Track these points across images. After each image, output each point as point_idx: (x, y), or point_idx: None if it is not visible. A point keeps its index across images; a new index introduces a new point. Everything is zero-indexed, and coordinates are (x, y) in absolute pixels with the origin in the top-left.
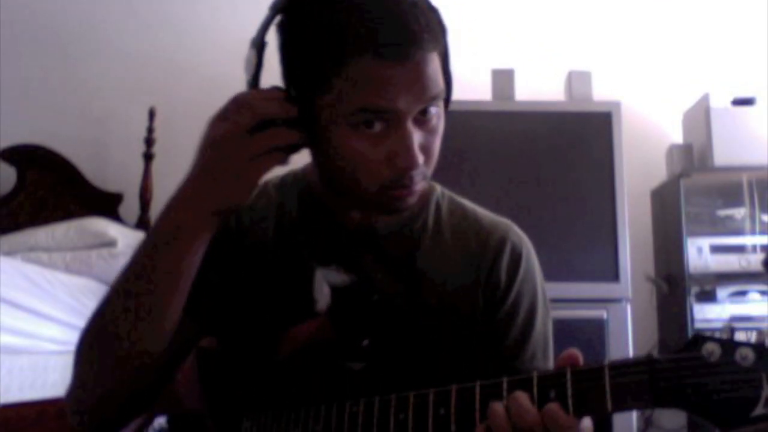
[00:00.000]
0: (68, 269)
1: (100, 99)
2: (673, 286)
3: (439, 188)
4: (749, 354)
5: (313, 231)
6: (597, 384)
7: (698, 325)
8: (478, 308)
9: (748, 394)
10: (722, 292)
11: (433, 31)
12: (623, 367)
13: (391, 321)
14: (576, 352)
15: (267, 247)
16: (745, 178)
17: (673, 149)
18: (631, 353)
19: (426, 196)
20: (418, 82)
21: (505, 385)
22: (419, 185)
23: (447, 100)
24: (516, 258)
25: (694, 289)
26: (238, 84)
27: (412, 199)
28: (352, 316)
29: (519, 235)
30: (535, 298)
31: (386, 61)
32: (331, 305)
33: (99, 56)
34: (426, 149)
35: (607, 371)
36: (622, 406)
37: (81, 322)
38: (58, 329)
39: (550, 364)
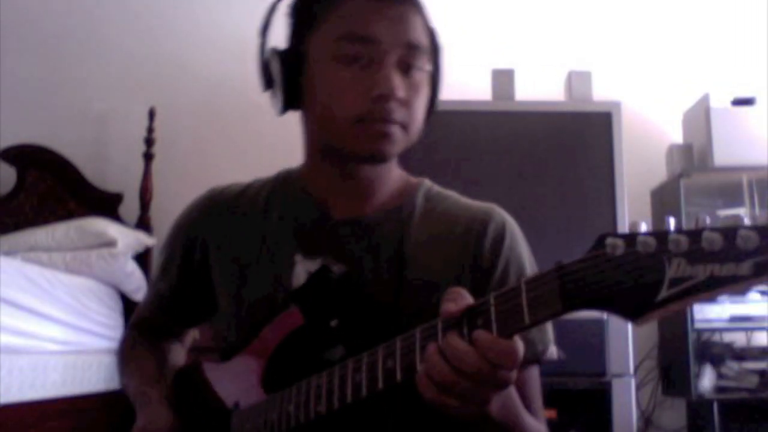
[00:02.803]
0: (68, 269)
1: (100, 99)
2: None
3: (427, 182)
4: (650, 241)
5: (301, 223)
6: (515, 302)
7: (698, 325)
8: (466, 288)
9: (651, 279)
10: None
11: (419, 3)
12: (535, 280)
13: (360, 299)
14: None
15: (254, 236)
16: (745, 178)
17: (673, 149)
18: (631, 353)
19: (414, 187)
20: (400, 22)
21: (439, 325)
22: (396, 128)
23: (435, 84)
24: (499, 236)
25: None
26: (238, 84)
27: (390, 145)
28: (318, 297)
29: (501, 214)
30: (522, 271)
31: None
32: (296, 290)
33: (99, 56)
34: (407, 100)
35: (523, 287)
36: (538, 318)
37: (81, 322)
38: (58, 329)
39: (547, 336)
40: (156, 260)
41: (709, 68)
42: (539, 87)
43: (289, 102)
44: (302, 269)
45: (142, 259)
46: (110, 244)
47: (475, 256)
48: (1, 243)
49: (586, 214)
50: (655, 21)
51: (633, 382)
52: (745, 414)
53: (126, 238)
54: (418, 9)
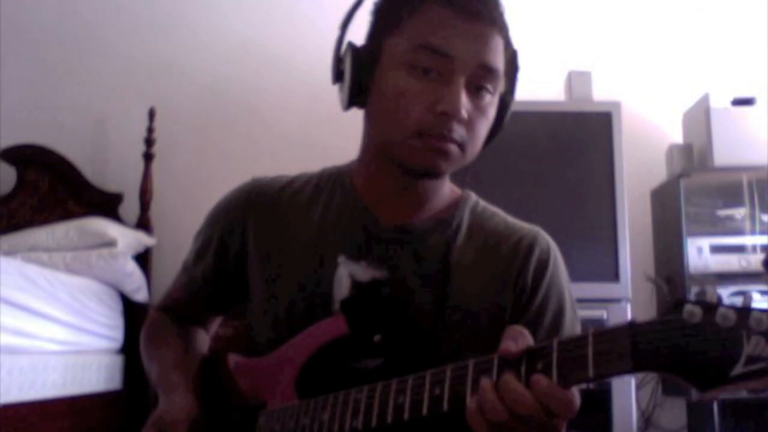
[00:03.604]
0: (68, 269)
1: (100, 99)
2: (673, 286)
3: (474, 196)
4: (730, 315)
5: (346, 224)
6: (580, 353)
7: None
8: (506, 310)
9: (727, 354)
10: (722, 292)
11: (504, 23)
12: (605, 334)
13: (405, 316)
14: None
15: (296, 232)
16: (745, 178)
17: (673, 149)
18: None
19: (461, 200)
20: (478, 41)
21: (496, 361)
22: (455, 147)
23: (505, 106)
24: (543, 261)
25: (694, 289)
26: (237, 84)
27: (445, 163)
28: (365, 310)
29: (547, 240)
30: (562, 301)
31: (455, 11)
32: (346, 300)
33: (99, 57)
34: (470, 121)
35: (590, 339)
36: (603, 373)
37: (81, 322)
38: (58, 329)
39: None
40: (192, 244)
41: (709, 68)
42: (539, 87)
43: (355, 99)
44: (345, 271)
45: (142, 259)
46: (110, 244)
47: (518, 279)
48: (1, 243)
49: (586, 214)
50: (655, 21)
51: (633, 382)
52: (745, 414)
53: (126, 238)
54: (501, 30)
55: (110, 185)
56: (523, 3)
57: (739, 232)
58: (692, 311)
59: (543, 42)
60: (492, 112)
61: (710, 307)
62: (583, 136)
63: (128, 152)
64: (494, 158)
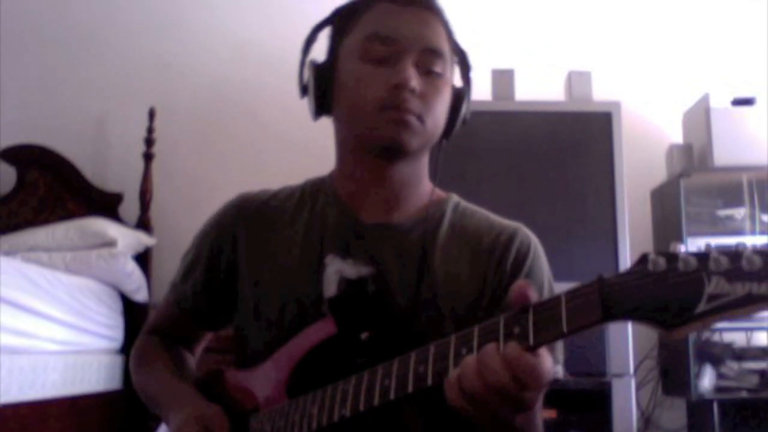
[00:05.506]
0: (68, 269)
1: (100, 99)
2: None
3: (455, 197)
4: (691, 260)
5: (330, 226)
6: (554, 311)
7: None
8: (486, 302)
9: (690, 295)
10: None
11: (442, 13)
12: (576, 290)
13: (391, 315)
14: (523, 285)
15: (283, 240)
16: (745, 178)
17: (673, 149)
18: (631, 352)
19: (442, 200)
20: (420, 24)
21: (476, 332)
22: (412, 117)
23: (461, 98)
24: (523, 252)
25: None
26: (237, 84)
27: (407, 133)
28: (352, 308)
29: (527, 233)
30: (541, 291)
31: (398, 4)
32: (333, 298)
33: (99, 57)
34: (424, 96)
35: (563, 298)
36: (576, 326)
37: (81, 322)
38: (58, 329)
39: (557, 354)
40: (179, 264)
41: (709, 68)
42: (539, 87)
43: (321, 106)
44: (333, 270)
45: (142, 259)
46: (110, 244)
47: (497, 269)
48: (1, 243)
49: (586, 214)
50: (655, 21)
51: (633, 382)
52: (745, 414)
53: (126, 238)
54: (442, 20)
55: (110, 185)
56: (523, 3)
57: (739, 232)
58: (656, 261)
59: (543, 42)
60: (446, 92)
61: (673, 256)
62: (583, 136)
63: (128, 152)
64: (495, 158)
